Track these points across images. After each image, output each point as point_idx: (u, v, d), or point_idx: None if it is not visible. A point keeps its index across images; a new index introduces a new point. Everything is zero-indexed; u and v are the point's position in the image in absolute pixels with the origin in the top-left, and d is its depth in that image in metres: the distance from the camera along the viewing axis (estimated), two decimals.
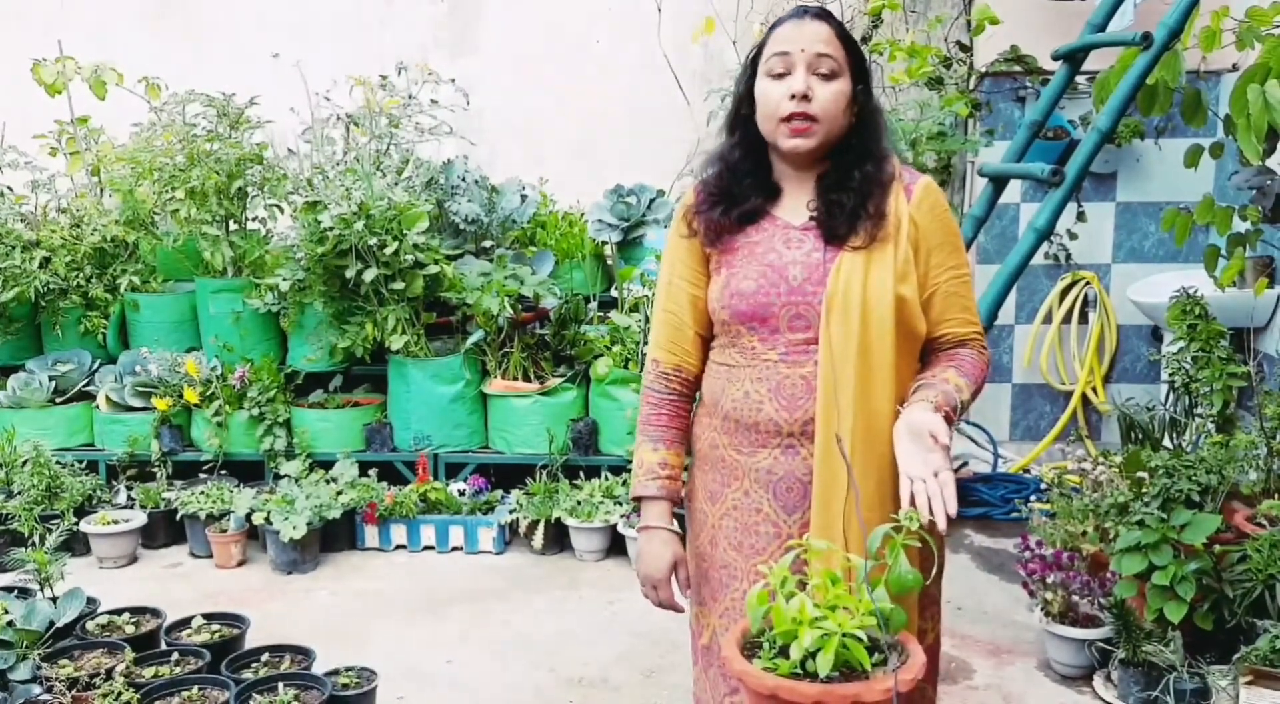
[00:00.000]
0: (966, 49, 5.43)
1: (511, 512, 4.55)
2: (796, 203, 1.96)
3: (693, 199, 2.02)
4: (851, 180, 1.90)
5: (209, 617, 3.40)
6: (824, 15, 1.91)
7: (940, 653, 2.12)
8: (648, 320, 4.66)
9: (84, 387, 5.08)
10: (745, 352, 1.92)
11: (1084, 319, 5.41)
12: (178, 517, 4.52)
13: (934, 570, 1.81)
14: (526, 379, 4.86)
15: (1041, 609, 3.35)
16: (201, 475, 4.82)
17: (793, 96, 1.86)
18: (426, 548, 4.53)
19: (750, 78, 1.96)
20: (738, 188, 1.97)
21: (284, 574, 4.29)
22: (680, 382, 2.04)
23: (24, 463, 4.51)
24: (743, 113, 1.98)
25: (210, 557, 4.45)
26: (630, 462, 4.53)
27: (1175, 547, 2.94)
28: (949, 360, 1.93)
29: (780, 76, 1.88)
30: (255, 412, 4.79)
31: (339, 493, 4.49)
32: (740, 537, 1.95)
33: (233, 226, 5.13)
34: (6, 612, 3.06)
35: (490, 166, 5.38)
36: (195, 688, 2.92)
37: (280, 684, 2.92)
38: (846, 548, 1.75)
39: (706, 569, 2.01)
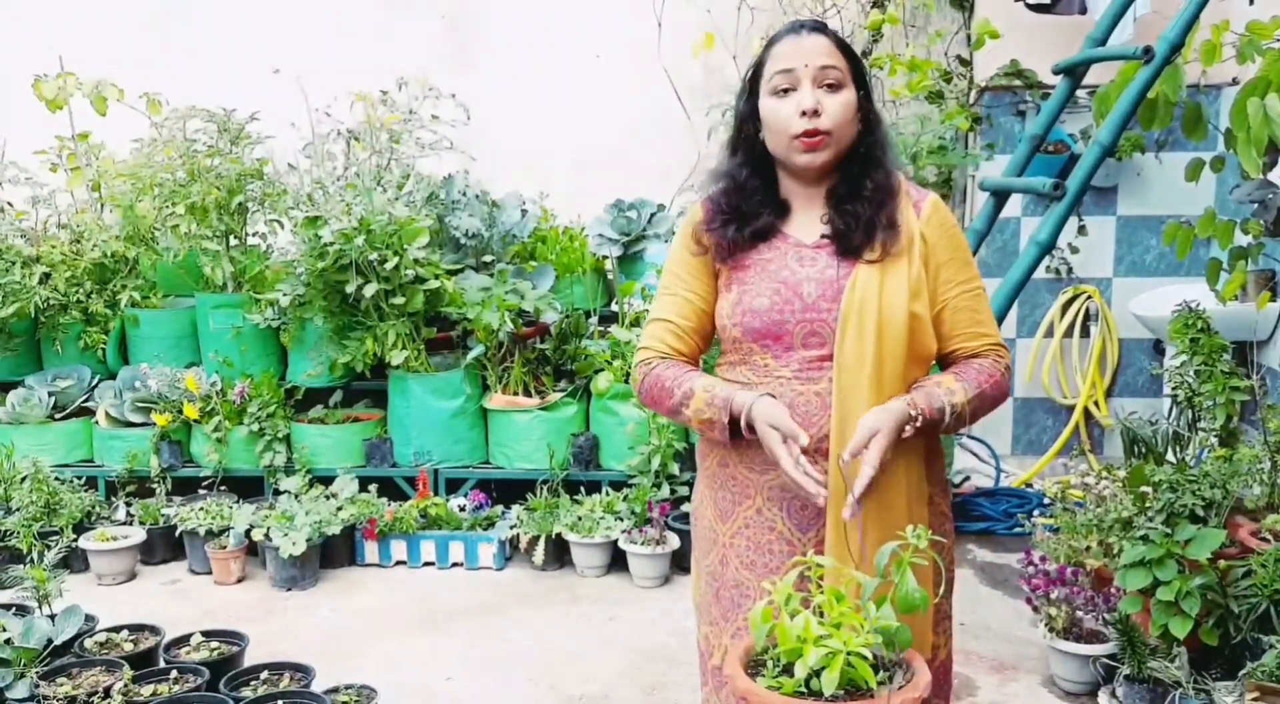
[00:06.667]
0: (966, 63, 5.44)
1: (512, 527, 4.54)
2: (807, 220, 1.95)
3: (701, 215, 2.00)
4: (864, 189, 1.90)
5: (208, 634, 3.39)
6: (821, 27, 1.91)
7: (952, 669, 2.10)
8: None
9: (83, 402, 5.07)
10: (757, 369, 1.91)
11: (1085, 333, 5.41)
12: (177, 533, 4.50)
13: (942, 587, 1.80)
14: (527, 394, 4.85)
15: (1045, 625, 3.32)
16: (201, 491, 4.80)
17: (803, 113, 1.85)
18: (427, 564, 4.51)
19: (752, 97, 1.95)
20: (747, 204, 1.95)
21: (283, 591, 4.27)
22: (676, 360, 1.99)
23: (23, 479, 4.49)
24: (746, 133, 1.97)
25: (209, 573, 4.43)
26: (632, 477, 4.54)
27: (1180, 562, 2.92)
28: (954, 370, 1.93)
29: (786, 93, 1.88)
30: (255, 427, 4.78)
31: (339, 509, 4.47)
32: (753, 555, 1.93)
33: (233, 242, 5.13)
34: (4, 629, 3.04)
35: (491, 181, 5.38)
36: None
37: (279, 702, 2.90)
38: (859, 565, 1.74)
39: (718, 588, 1.99)
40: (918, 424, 1.80)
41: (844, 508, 1.76)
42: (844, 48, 1.90)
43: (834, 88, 1.87)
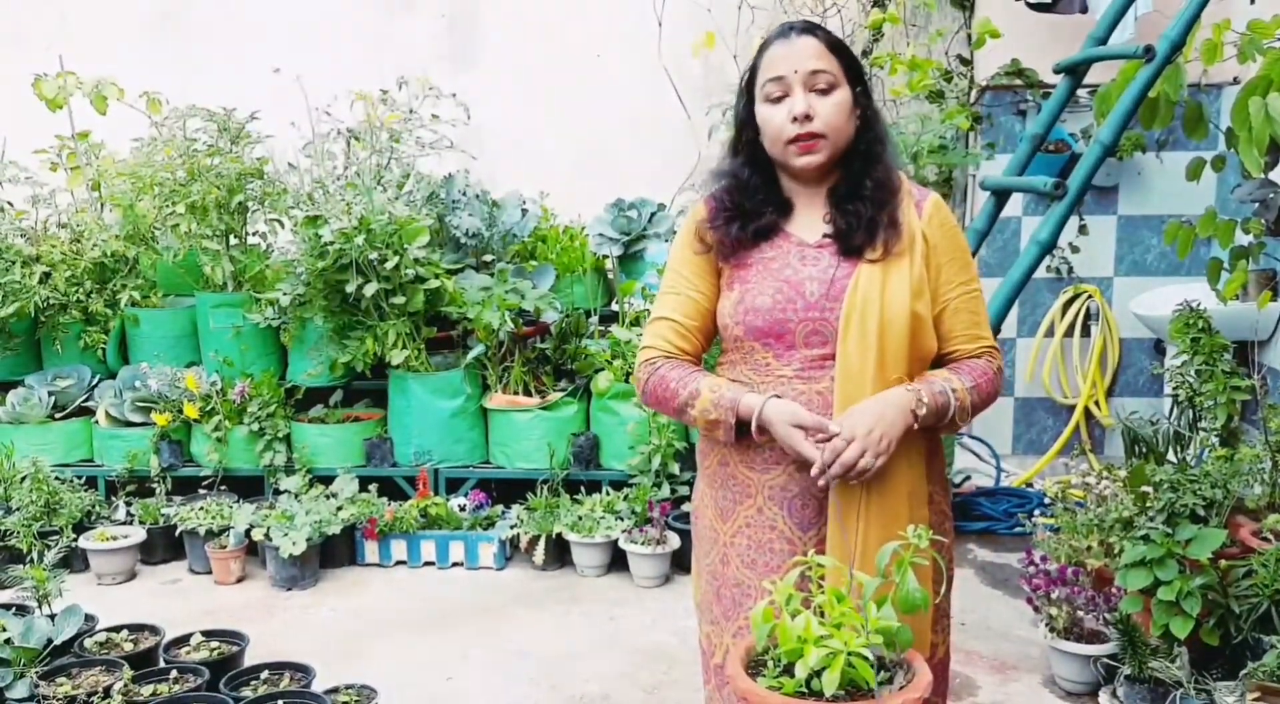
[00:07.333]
0: (967, 62, 5.44)
1: (512, 527, 4.53)
2: (809, 219, 1.95)
3: (704, 212, 2.00)
4: (864, 188, 1.90)
5: (208, 634, 3.39)
6: (810, 29, 1.91)
7: (950, 666, 2.10)
8: None
9: (83, 402, 5.06)
10: (759, 368, 1.91)
11: (1086, 332, 5.40)
12: (177, 533, 4.49)
13: (943, 586, 1.80)
14: (527, 394, 4.84)
15: (1046, 625, 3.32)
16: (201, 491, 4.80)
17: (795, 119, 1.86)
18: (427, 564, 4.51)
19: (749, 102, 1.95)
20: (750, 202, 1.96)
21: (283, 590, 4.27)
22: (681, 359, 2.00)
23: (23, 479, 4.49)
24: (746, 136, 1.97)
25: (209, 573, 4.43)
26: (632, 477, 4.54)
27: (1180, 562, 2.91)
28: (949, 368, 1.94)
29: (779, 100, 1.88)
30: (255, 427, 4.77)
31: (339, 508, 4.46)
32: (754, 554, 1.93)
33: (233, 241, 5.12)
34: (4, 629, 3.04)
35: (491, 181, 5.38)
36: None
37: (279, 702, 2.89)
38: (862, 565, 1.75)
39: (719, 587, 1.99)
40: (923, 407, 1.81)
41: (815, 470, 1.78)
42: (835, 47, 1.90)
43: (826, 90, 1.87)
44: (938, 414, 1.85)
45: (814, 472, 1.78)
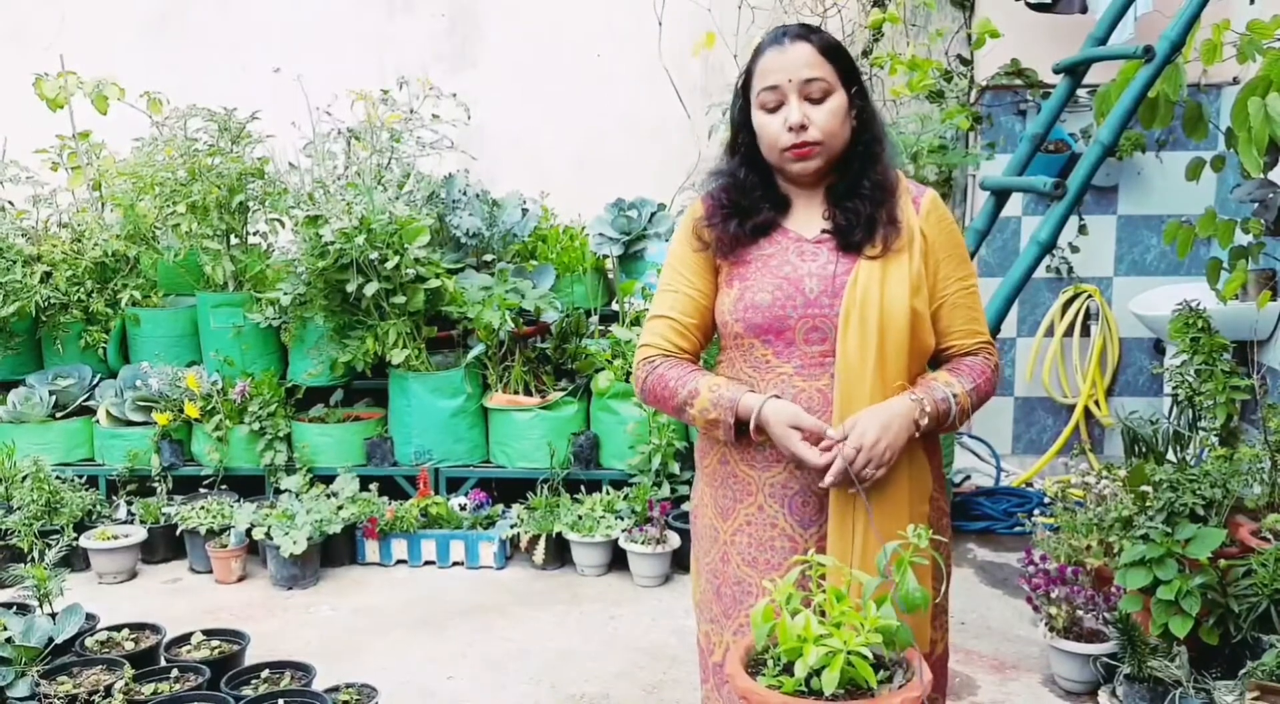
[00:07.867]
0: (967, 62, 5.44)
1: (513, 526, 4.54)
2: (807, 216, 1.96)
3: (701, 210, 2.01)
4: (863, 187, 1.91)
5: (208, 633, 3.39)
6: (804, 34, 1.91)
7: (949, 663, 2.11)
8: None
9: (84, 401, 5.07)
10: (759, 366, 1.91)
11: (1086, 332, 5.40)
12: (178, 532, 4.50)
13: (944, 584, 1.81)
14: (528, 393, 4.85)
15: (1046, 624, 3.33)
16: (202, 490, 4.80)
17: (790, 128, 1.86)
18: (427, 563, 4.51)
19: (744, 106, 1.96)
20: (747, 200, 1.96)
21: (284, 590, 4.28)
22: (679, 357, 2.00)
23: (24, 478, 4.50)
24: (742, 140, 1.98)
25: (210, 572, 4.43)
26: (632, 476, 4.54)
27: (1180, 561, 2.92)
28: (949, 368, 1.95)
29: (775, 109, 1.89)
30: (256, 426, 4.78)
31: (340, 508, 4.47)
32: (755, 552, 1.94)
33: (234, 241, 5.13)
34: (5, 628, 3.04)
35: (491, 180, 5.39)
36: None
37: (280, 701, 2.90)
38: (863, 562, 1.75)
39: (719, 586, 2.00)
40: (925, 417, 1.83)
41: (828, 478, 1.79)
42: (829, 51, 1.90)
43: (821, 98, 1.87)
44: (939, 420, 1.87)
45: (828, 479, 1.79)
